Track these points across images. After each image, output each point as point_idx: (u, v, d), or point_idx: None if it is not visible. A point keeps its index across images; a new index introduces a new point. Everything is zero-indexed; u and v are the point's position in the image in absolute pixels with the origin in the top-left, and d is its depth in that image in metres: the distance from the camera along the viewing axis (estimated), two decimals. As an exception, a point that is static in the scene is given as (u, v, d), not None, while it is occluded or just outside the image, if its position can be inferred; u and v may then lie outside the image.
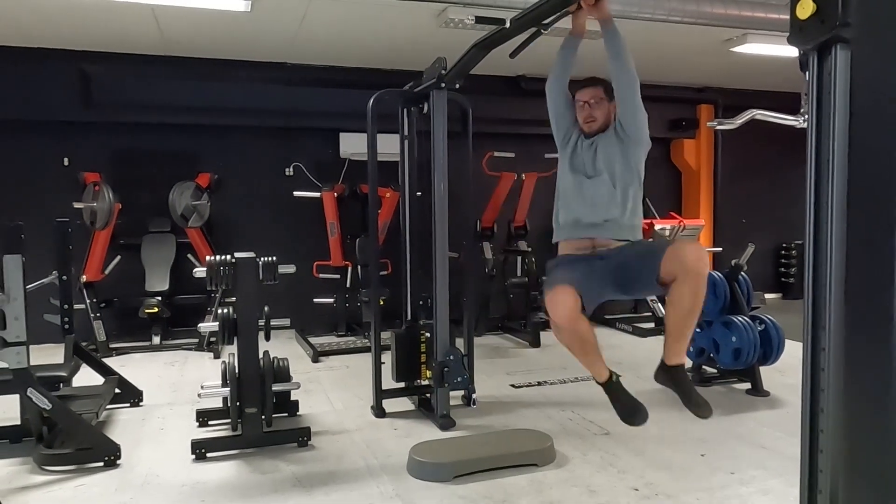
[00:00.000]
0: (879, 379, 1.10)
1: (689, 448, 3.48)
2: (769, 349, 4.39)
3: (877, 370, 1.10)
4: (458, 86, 3.76)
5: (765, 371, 4.49)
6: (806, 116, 1.40)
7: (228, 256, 3.49)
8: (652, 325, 6.69)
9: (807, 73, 1.40)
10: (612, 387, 2.89)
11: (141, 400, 4.29)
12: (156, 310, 5.89)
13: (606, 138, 2.83)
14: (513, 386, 4.71)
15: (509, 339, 6.45)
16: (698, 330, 4.67)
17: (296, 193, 6.42)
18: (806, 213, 1.41)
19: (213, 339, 5.75)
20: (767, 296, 8.18)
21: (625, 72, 2.74)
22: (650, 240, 2.92)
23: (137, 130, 6.37)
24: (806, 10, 1.32)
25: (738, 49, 5.79)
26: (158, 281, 6.09)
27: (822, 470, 1.39)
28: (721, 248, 7.77)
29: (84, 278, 5.74)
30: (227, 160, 6.65)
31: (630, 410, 2.90)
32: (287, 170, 6.87)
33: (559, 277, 2.63)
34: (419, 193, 4.38)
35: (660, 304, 6.77)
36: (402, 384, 4.23)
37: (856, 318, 1.17)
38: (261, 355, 3.53)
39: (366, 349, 5.42)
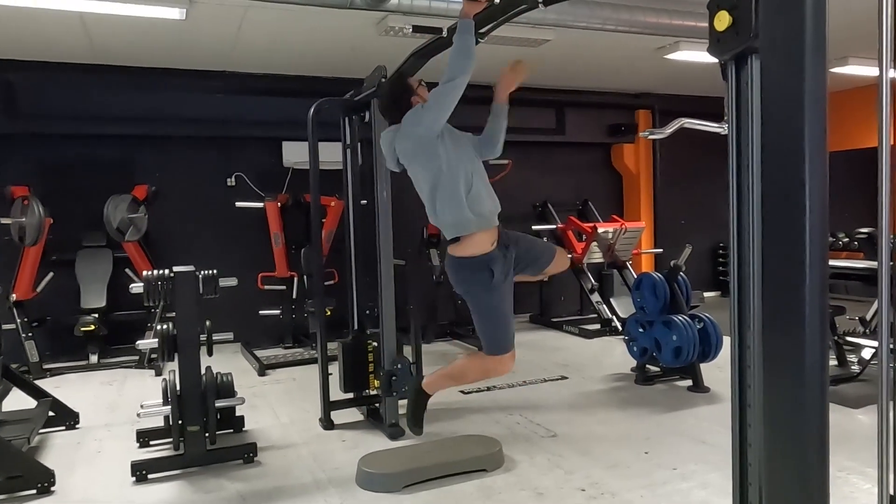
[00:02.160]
0: (795, 374, 1.15)
1: (634, 446, 3.56)
2: (708, 346, 4.54)
3: (792, 366, 1.15)
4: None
5: (705, 368, 4.63)
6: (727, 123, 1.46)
7: (166, 270, 3.40)
8: (598, 326, 6.82)
9: (727, 81, 1.46)
10: None
11: (77, 422, 4.12)
12: (92, 327, 5.68)
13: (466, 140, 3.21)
14: (462, 392, 4.72)
15: (458, 345, 6.47)
16: (641, 330, 4.80)
17: (238, 204, 6.29)
18: (730, 218, 1.47)
19: (153, 355, 5.58)
20: (706, 294, 8.46)
21: (495, 147, 3.34)
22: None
23: (68, 142, 6.14)
24: (723, 22, 1.37)
25: (672, 56, 5.98)
26: (94, 297, 5.87)
27: (751, 463, 1.45)
28: (661, 250, 8.00)
29: (14, 297, 5.48)
30: (166, 171, 6.47)
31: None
32: (229, 180, 6.73)
33: (503, 333, 3.18)
34: (363, 202, 4.36)
35: (604, 306, 6.91)
36: (350, 395, 4.19)
37: (773, 315, 1.22)
38: (203, 371, 3.44)
39: (313, 361, 5.35)
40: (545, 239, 3.13)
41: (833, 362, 4.85)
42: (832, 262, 5.12)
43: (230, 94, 6.44)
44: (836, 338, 4.83)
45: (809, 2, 1.12)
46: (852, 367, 4.72)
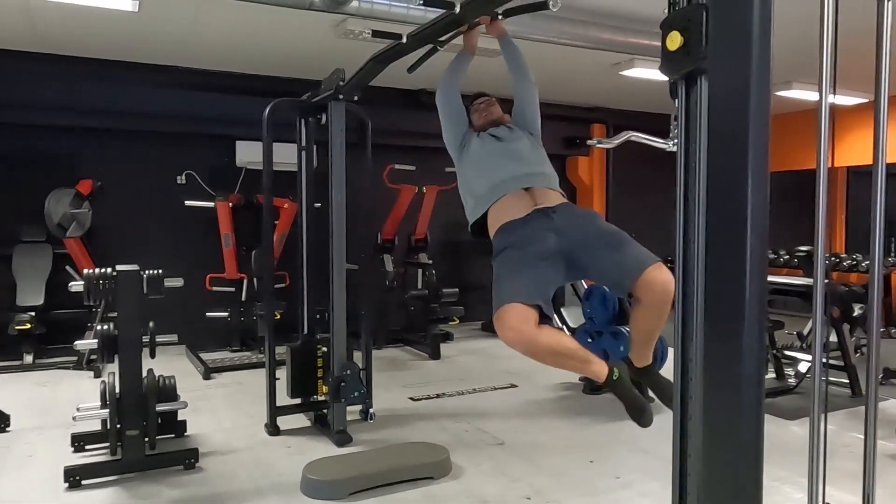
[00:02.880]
0: (733, 386, 1.18)
1: (579, 454, 3.61)
2: (654, 357, 4.63)
3: (730, 378, 1.18)
4: (356, 98, 3.75)
5: (650, 378, 4.72)
6: (675, 140, 1.49)
7: (109, 269, 3.29)
8: (548, 335, 6.88)
9: (676, 99, 1.50)
10: (615, 384, 2.59)
11: (7, 425, 3.94)
12: (28, 326, 5.45)
13: (502, 130, 2.93)
14: (411, 399, 4.71)
15: (409, 351, 6.45)
16: (589, 340, 4.87)
17: (188, 203, 6.14)
18: (676, 233, 1.51)
19: (93, 357, 5.38)
20: (654, 306, 8.64)
21: (524, 77, 3.04)
22: (592, 210, 2.89)
23: (8, 131, 5.88)
24: (675, 42, 1.41)
25: (627, 73, 6.12)
26: (32, 295, 5.63)
27: (690, 473, 1.48)
28: (612, 261, 8.13)
29: (-57, 292, 5.22)
30: (113, 166, 6.27)
31: (636, 407, 2.63)
32: (179, 178, 6.56)
33: (507, 287, 2.38)
34: (318, 205, 4.31)
35: (555, 316, 6.98)
36: (297, 400, 4.12)
37: (713, 328, 1.25)
38: (145, 373, 3.34)
39: (260, 365, 5.25)
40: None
41: (771, 375, 5.02)
42: (773, 279, 5.31)
43: (184, 89, 6.28)
44: (774, 351, 5.00)
45: (756, 27, 1.16)
46: (789, 381, 4.90)
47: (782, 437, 3.85)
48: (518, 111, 3.04)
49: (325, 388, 4.01)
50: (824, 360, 1.40)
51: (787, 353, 5.09)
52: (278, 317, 4.99)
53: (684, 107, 1.46)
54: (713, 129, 1.24)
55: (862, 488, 1.31)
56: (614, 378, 2.56)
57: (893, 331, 6.91)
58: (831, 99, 1.25)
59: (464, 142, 2.95)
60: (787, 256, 8.82)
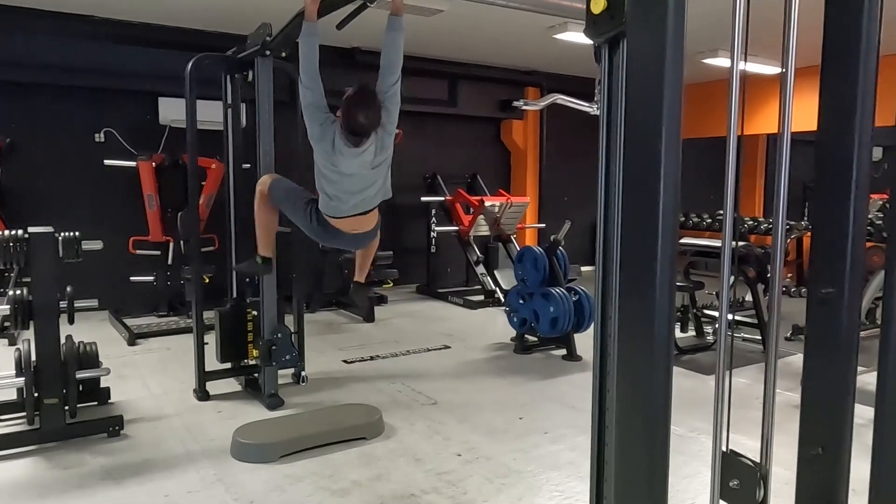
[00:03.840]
0: (645, 342, 1.23)
1: (509, 412, 3.71)
2: (582, 318, 4.79)
3: (643, 334, 1.24)
4: (284, 54, 3.62)
5: (579, 338, 4.89)
6: (599, 104, 1.52)
7: (20, 231, 3.11)
8: (482, 297, 7.00)
9: (599, 64, 1.52)
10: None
11: (-87, 396, 3.72)
12: (-67, 292, 5.12)
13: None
14: (345, 361, 4.71)
15: (343, 314, 6.43)
16: (521, 301, 4.98)
17: (107, 162, 5.84)
18: (598, 195, 1.54)
19: (6, 323, 5.12)
20: (584, 268, 8.88)
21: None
22: None
23: None
24: (598, 6, 1.42)
25: (561, 36, 6.13)
26: (-64, 259, 5.28)
27: (608, 426, 1.55)
28: (544, 224, 8.29)
29: None
30: (23, 122, 5.88)
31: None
32: (97, 135, 6.22)
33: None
34: (246, 165, 4.18)
35: (489, 278, 7.10)
36: (227, 365, 4.06)
37: (629, 286, 1.30)
38: (63, 340, 3.21)
39: (189, 330, 5.10)
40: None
41: (691, 333, 5.27)
42: (695, 241, 5.53)
43: (102, 41, 5.90)
44: (694, 311, 5.24)
45: (673, -8, 1.18)
46: (708, 338, 5.16)
47: (700, 391, 4.07)
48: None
49: (255, 352, 3.96)
50: (732, 316, 1.48)
51: (707, 311, 5.35)
52: (207, 280, 4.86)
53: (607, 71, 1.49)
54: (631, 92, 1.26)
55: (761, 433, 1.41)
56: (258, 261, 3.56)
57: (804, 290, 7.35)
58: (743, 66, 1.29)
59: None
60: (709, 220, 9.20)
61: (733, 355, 1.60)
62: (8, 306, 3.15)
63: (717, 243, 5.46)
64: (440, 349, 5.14)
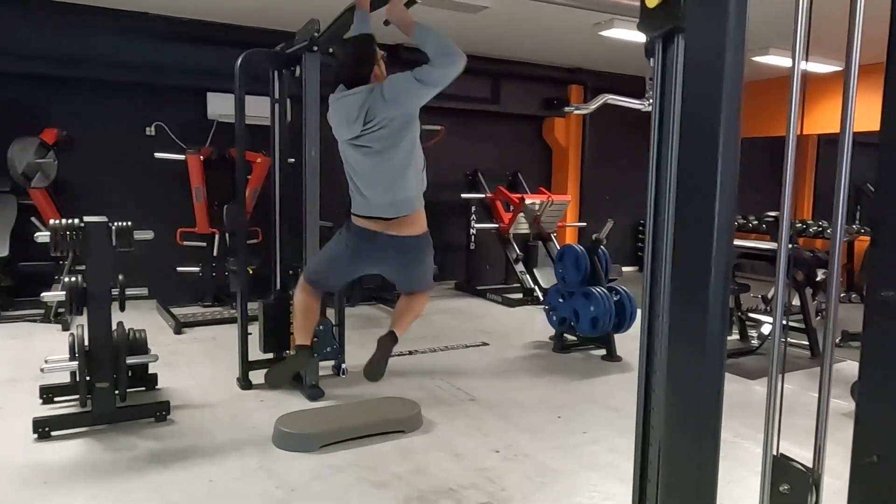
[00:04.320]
0: (697, 343, 1.22)
1: (548, 411, 3.69)
2: (623, 318, 4.73)
3: (695, 335, 1.22)
4: (331, 50, 3.66)
5: (619, 338, 4.83)
6: (650, 101, 1.50)
7: (76, 220, 3.22)
8: (521, 295, 6.98)
9: (651, 59, 1.50)
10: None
11: (-26, 377, 3.90)
12: (-7, 278, 5.34)
13: None
14: (384, 355, 4.74)
15: (383, 309, 6.48)
16: (561, 300, 4.94)
17: (157, 155, 6.00)
18: (648, 193, 1.52)
19: (61, 309, 5.31)
20: (625, 269, 8.78)
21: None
22: None
23: (-32, 77, 5.67)
24: (653, 0, 1.40)
25: (607, 33, 6.06)
26: (-4, 246, 5.51)
27: (653, 426, 1.53)
28: (585, 223, 8.21)
29: None
30: (80, 116, 6.09)
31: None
32: (148, 129, 6.41)
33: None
34: (291, 160, 4.25)
35: (528, 276, 7.07)
36: (270, 355, 4.14)
37: (680, 286, 1.28)
38: (114, 326, 3.31)
39: (233, 320, 5.23)
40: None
41: (735, 337, 5.16)
42: (741, 243, 5.41)
43: (154, 38, 6.08)
44: (739, 314, 5.13)
45: (734, -14, 1.16)
46: (752, 342, 5.04)
47: (745, 395, 3.98)
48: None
49: (297, 344, 4.01)
50: (785, 321, 1.45)
51: (752, 315, 5.23)
52: (251, 272, 4.95)
53: (660, 66, 1.46)
54: (688, 90, 1.24)
55: (814, 442, 1.37)
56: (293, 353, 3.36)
57: (854, 296, 7.12)
58: (804, 66, 1.26)
59: None
60: (755, 221, 8.99)
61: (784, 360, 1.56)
62: (63, 292, 3.27)
63: (764, 245, 5.34)
64: (479, 346, 5.14)
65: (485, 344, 5.21)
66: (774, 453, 1.35)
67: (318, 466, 2.91)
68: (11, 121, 5.73)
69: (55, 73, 5.87)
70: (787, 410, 1.81)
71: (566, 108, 5.65)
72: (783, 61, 6.66)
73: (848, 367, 4.61)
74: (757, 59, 6.72)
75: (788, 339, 5.17)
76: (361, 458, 3.00)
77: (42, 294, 3.56)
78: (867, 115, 1.47)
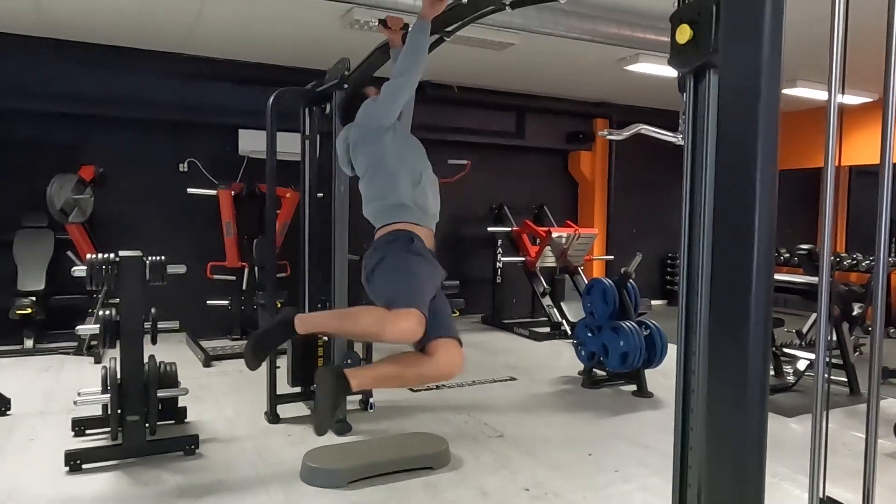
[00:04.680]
0: (738, 381, 1.19)
1: (578, 448, 3.62)
2: (654, 353, 4.64)
3: (735, 372, 1.19)
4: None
5: (650, 374, 4.74)
6: (683, 134, 1.49)
7: (111, 254, 3.29)
8: (548, 329, 6.91)
9: (684, 93, 1.50)
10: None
11: (8, 409, 3.95)
12: (29, 311, 5.46)
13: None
14: (411, 390, 4.71)
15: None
16: (589, 334, 4.88)
17: (190, 190, 6.14)
18: (682, 226, 1.51)
19: (94, 342, 5.40)
20: (654, 302, 8.66)
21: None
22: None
23: (11, 117, 5.88)
24: (684, 35, 1.41)
25: (632, 67, 6.10)
26: (33, 280, 5.64)
27: (691, 466, 1.49)
28: (613, 257, 8.16)
29: (-55, 276, 5.23)
30: (115, 153, 6.27)
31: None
32: (181, 165, 6.57)
33: (419, 289, 2.43)
34: (320, 195, 4.31)
35: (555, 310, 7.01)
36: (298, 389, 4.14)
37: (719, 322, 1.26)
38: (146, 359, 3.35)
39: (261, 353, 5.25)
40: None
41: (771, 373, 5.04)
42: (775, 276, 5.31)
43: (187, 77, 6.29)
44: (773, 349, 5.01)
45: (768, 21, 1.16)
46: (788, 378, 4.91)
47: (781, 434, 3.87)
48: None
49: (325, 378, 4.01)
50: (828, 357, 1.41)
51: (787, 350, 5.10)
52: (279, 306, 4.99)
53: (692, 101, 1.46)
54: (722, 125, 1.24)
55: (862, 485, 1.32)
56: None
57: (892, 330, 6.92)
58: (840, 98, 1.25)
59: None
60: (787, 254, 8.83)
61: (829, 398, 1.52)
62: (97, 325, 3.32)
63: (798, 279, 5.24)
64: (506, 381, 5.08)
65: (512, 379, 5.15)
66: (821, 496, 1.30)
67: (345, 503, 2.88)
68: (51, 158, 5.92)
69: (93, 112, 6.08)
70: (829, 450, 1.75)
71: (600, 133, 5.65)
72: (811, 93, 6.62)
73: (889, 405, 4.46)
74: (785, 91, 6.70)
75: (827, 375, 5.04)
76: (389, 495, 2.96)
77: (77, 327, 3.63)
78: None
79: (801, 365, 4.88)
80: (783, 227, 9.12)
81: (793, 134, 6.85)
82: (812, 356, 4.12)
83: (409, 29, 2.76)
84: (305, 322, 2.59)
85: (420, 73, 2.69)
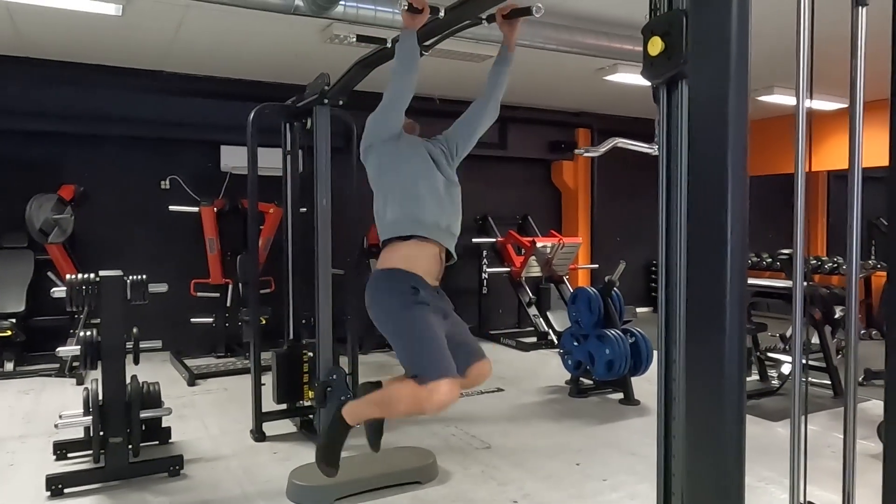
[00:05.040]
0: (714, 387, 1.20)
1: (566, 458, 3.62)
2: (639, 360, 4.67)
3: (712, 378, 1.20)
4: (341, 102, 3.74)
5: (636, 381, 4.76)
6: (658, 144, 1.51)
7: (91, 275, 3.26)
8: (534, 339, 6.92)
9: (658, 104, 1.51)
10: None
11: (-13, 433, 3.89)
12: (9, 333, 5.38)
13: (436, 149, 2.79)
14: (398, 403, 4.69)
15: (395, 356, 6.43)
16: (575, 343, 4.89)
17: (171, 208, 6.10)
18: (659, 235, 1.52)
19: (75, 363, 5.33)
20: (639, 310, 8.70)
21: (495, 102, 2.87)
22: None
23: (-10, 137, 5.83)
24: (656, 47, 1.42)
25: (610, 77, 6.16)
26: (12, 301, 5.57)
27: (674, 473, 1.49)
28: (597, 265, 8.19)
29: (-78, 299, 5.15)
30: (96, 172, 6.22)
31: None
32: (163, 183, 6.52)
33: (440, 352, 2.38)
34: (303, 210, 4.30)
35: (541, 320, 7.02)
36: (283, 406, 4.10)
37: (695, 328, 1.26)
38: (128, 380, 3.31)
39: (246, 371, 5.20)
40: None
41: (755, 377, 5.07)
42: (756, 282, 5.37)
43: (167, 94, 6.26)
44: (758, 353, 5.05)
45: (734, 33, 1.18)
46: (772, 382, 4.95)
47: (767, 438, 3.89)
48: (463, 129, 2.85)
49: (311, 394, 3.99)
50: (805, 361, 1.42)
51: (770, 355, 5.15)
52: (264, 322, 4.96)
53: (666, 111, 1.48)
54: (693, 134, 1.25)
55: (842, 486, 1.33)
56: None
57: (874, 332, 6.99)
58: (808, 104, 1.27)
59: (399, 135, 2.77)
60: (769, 259, 8.93)
61: (807, 401, 1.53)
62: (78, 347, 3.28)
63: (779, 283, 5.30)
64: (493, 392, 5.08)
65: (499, 389, 5.14)
66: (801, 500, 1.31)
67: (332, 520, 2.85)
68: (30, 178, 5.86)
69: (72, 131, 6.03)
70: (813, 453, 1.76)
71: (576, 151, 5.69)
72: (788, 100, 6.72)
73: (873, 407, 4.50)
74: (762, 98, 6.79)
75: (809, 378, 5.08)
76: (377, 511, 2.94)
77: (58, 349, 3.57)
78: (876, 151, 1.48)
79: (786, 369, 4.92)
80: (766, 234, 9.22)
81: (772, 140, 6.94)
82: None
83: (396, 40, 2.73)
84: (354, 414, 2.70)
85: (412, 79, 2.63)
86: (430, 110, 7.16)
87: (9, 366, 5.43)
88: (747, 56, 1.16)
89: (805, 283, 1.51)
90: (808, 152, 1.25)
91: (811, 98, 1.32)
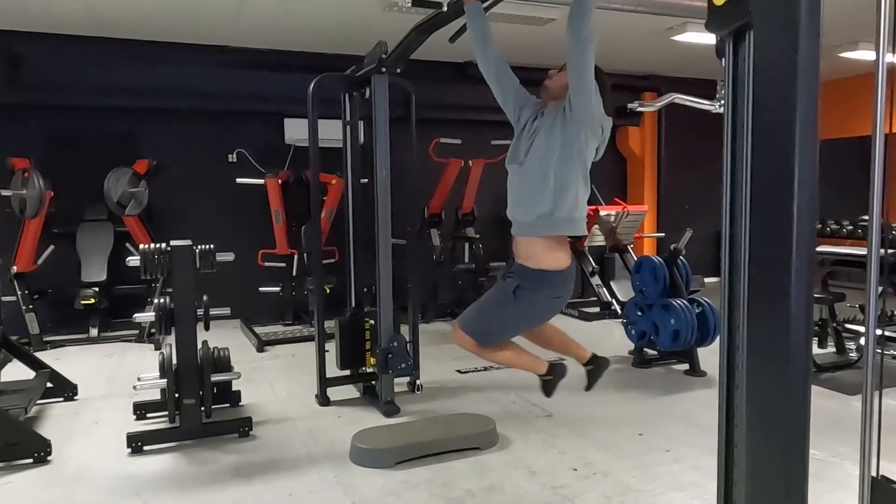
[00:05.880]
0: (779, 355, 1.14)
1: (628, 428, 3.57)
2: (706, 331, 4.52)
3: (776, 347, 1.14)
4: (399, 70, 3.73)
5: (702, 352, 4.63)
6: (722, 102, 1.43)
7: (163, 244, 3.40)
8: (597, 309, 6.82)
9: (723, 59, 1.43)
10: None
11: (75, 394, 4.15)
12: (93, 301, 5.70)
13: (552, 119, 2.80)
14: (459, 371, 4.74)
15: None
16: (640, 313, 4.78)
17: (238, 180, 6.27)
18: (723, 199, 1.45)
19: (153, 329, 5.61)
20: (707, 279, 8.41)
21: (577, 41, 2.80)
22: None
23: (70, 114, 6.12)
24: (721, -4, 1.34)
25: (679, 38, 5.91)
26: (95, 271, 5.89)
27: (737, 444, 1.44)
28: (663, 234, 7.97)
29: (14, 269, 5.51)
30: (167, 146, 6.45)
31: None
32: (230, 156, 6.71)
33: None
34: (364, 180, 4.34)
35: (604, 289, 6.90)
36: (346, 372, 4.21)
37: (759, 298, 1.21)
38: (200, 345, 3.45)
39: (312, 338, 5.35)
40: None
41: (832, 349, 4.85)
42: (835, 249, 5.09)
43: (232, 68, 6.40)
44: (835, 325, 4.81)
45: (807, -24, 1.09)
46: (850, 355, 4.71)
47: (843, 412, 3.72)
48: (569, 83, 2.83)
49: (373, 360, 4.07)
50: (881, 332, 1.34)
51: (849, 326, 4.89)
52: (328, 291, 5.07)
53: (731, 66, 1.40)
54: (760, 88, 1.18)
55: (919, 462, 1.25)
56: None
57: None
58: (889, 58, 1.17)
59: (517, 117, 2.85)
60: (850, 227, 8.46)
61: (882, 374, 1.45)
62: (153, 314, 3.44)
63: (860, 251, 5.00)
64: (555, 361, 5.03)
65: (561, 359, 5.09)
66: (874, 475, 1.24)
67: (392, 482, 2.92)
68: (108, 152, 6.14)
69: (145, 106, 6.26)
70: (889, 429, 1.67)
71: (630, 105, 5.49)
72: (872, 55, 6.28)
73: (961, 382, 4.23)
74: (845, 54, 6.36)
75: (893, 351, 4.81)
76: (436, 475, 2.99)
77: (135, 315, 3.77)
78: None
79: (864, 341, 4.68)
80: (849, 200, 8.71)
81: (857, 100, 6.51)
82: (878, 331, 3.95)
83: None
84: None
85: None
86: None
87: (94, 331, 5.77)
88: (819, 2, 1.08)
89: (884, 252, 1.42)
90: (890, 111, 1.15)
91: (894, 52, 1.21)
